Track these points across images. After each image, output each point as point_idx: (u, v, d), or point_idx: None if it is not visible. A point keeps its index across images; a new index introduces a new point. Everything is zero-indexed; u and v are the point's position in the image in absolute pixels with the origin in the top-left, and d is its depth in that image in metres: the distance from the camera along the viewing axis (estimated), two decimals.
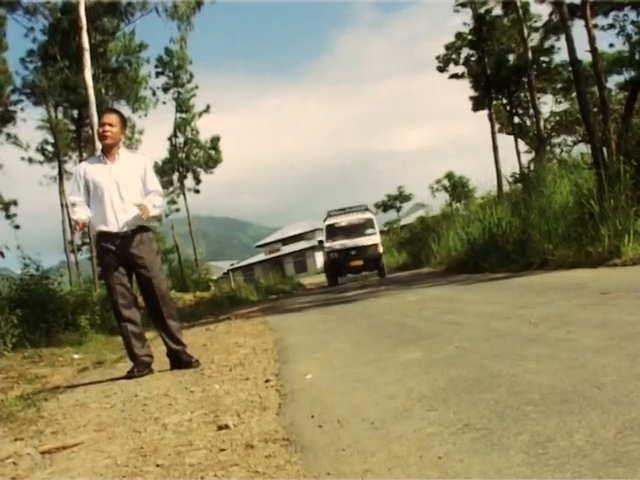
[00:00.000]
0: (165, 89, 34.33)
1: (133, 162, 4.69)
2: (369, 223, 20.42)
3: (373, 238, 19.49)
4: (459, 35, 28.12)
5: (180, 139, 35.76)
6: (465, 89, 28.80)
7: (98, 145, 13.83)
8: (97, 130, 4.63)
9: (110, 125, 4.56)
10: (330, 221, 20.74)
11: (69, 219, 29.19)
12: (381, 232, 19.94)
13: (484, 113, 27.96)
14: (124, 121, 4.73)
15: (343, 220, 20.58)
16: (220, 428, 2.55)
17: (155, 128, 30.19)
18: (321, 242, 20.41)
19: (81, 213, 4.44)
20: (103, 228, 4.51)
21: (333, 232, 20.06)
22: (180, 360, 4.57)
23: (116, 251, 4.48)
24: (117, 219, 4.48)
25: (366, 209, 21.28)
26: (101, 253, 4.57)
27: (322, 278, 31.98)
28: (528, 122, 31.08)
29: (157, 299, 4.56)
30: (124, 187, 4.50)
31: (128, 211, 4.49)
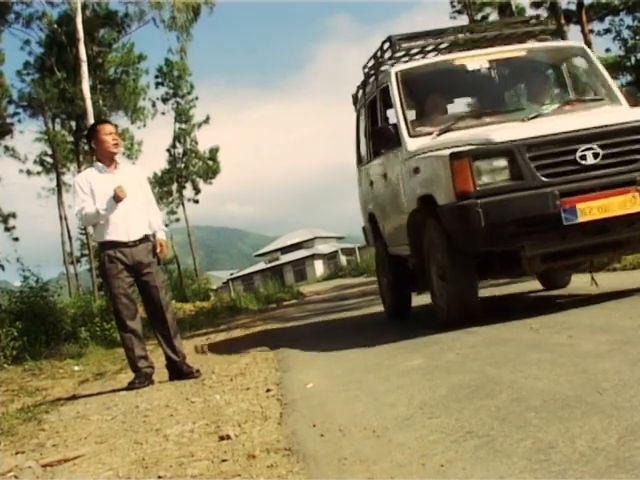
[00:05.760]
0: (165, 100, 34.47)
1: (132, 171, 4.87)
2: (587, 65, 5.20)
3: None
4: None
5: (179, 149, 35.88)
6: None
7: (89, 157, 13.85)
8: (104, 140, 4.54)
9: (117, 135, 4.68)
10: (414, 64, 5.27)
11: (70, 231, 29.17)
12: None
13: None
14: None
15: (477, 55, 5.09)
16: (222, 438, 2.54)
17: (154, 139, 30.27)
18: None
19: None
20: (111, 237, 4.50)
21: (438, 98, 5.13)
22: (180, 371, 4.55)
23: (123, 260, 4.46)
24: (125, 227, 4.48)
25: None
26: (106, 262, 4.51)
27: (322, 286, 26.40)
28: None
29: (162, 308, 4.55)
30: (129, 195, 4.49)
31: (134, 219, 4.51)
